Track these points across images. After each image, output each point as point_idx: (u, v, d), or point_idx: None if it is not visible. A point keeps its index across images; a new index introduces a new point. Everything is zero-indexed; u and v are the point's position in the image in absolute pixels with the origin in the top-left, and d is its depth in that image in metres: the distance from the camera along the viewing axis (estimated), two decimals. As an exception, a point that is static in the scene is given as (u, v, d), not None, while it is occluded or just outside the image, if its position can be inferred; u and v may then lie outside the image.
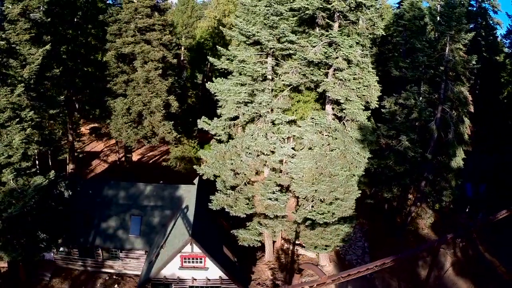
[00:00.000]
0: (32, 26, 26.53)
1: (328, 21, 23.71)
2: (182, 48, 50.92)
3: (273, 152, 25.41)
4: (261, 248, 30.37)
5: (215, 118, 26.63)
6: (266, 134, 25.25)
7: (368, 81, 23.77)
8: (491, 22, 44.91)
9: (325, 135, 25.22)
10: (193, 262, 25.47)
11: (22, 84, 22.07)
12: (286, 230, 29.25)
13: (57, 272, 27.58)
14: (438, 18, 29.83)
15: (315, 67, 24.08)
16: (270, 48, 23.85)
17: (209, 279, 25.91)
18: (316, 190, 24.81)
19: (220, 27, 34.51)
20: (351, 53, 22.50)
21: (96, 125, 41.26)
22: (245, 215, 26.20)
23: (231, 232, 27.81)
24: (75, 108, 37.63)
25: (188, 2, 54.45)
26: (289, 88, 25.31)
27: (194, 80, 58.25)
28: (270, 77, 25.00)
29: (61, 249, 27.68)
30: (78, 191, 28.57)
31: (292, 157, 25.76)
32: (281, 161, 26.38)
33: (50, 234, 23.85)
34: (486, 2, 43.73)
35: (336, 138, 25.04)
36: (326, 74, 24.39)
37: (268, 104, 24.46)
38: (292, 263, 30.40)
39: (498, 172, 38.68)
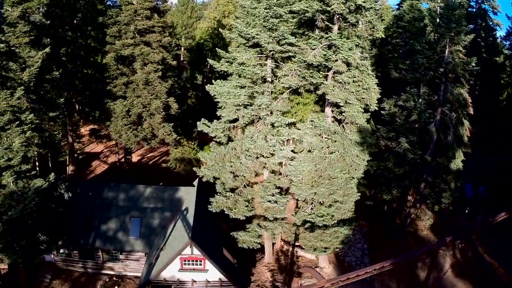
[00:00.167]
0: (31, 28, 26.61)
1: (328, 23, 23.70)
2: (182, 48, 51.00)
3: (272, 155, 25.35)
4: (260, 250, 30.38)
5: (215, 121, 26.60)
6: (265, 136, 25.21)
7: (368, 84, 23.72)
8: (490, 23, 44.99)
9: (325, 138, 25.19)
10: (193, 264, 25.56)
11: (22, 87, 22.06)
12: (285, 232, 29.26)
13: (57, 274, 27.69)
14: (438, 20, 29.84)
15: (315, 69, 24.02)
16: (270, 51, 23.81)
17: (209, 281, 25.98)
18: (315, 193, 24.82)
19: (220, 29, 34.44)
20: (351, 55, 22.46)
21: (95, 126, 41.33)
22: (244, 217, 26.21)
23: (231, 234, 27.79)
24: (75, 110, 37.69)
25: (188, 3, 54.58)
26: (289, 90, 25.25)
27: (194, 80, 58.28)
28: (269, 79, 24.98)
29: (61, 251, 27.77)
30: (78, 193, 28.60)
31: (292, 160, 25.74)
32: (280, 164, 26.35)
33: (50, 236, 23.90)
34: (486, 3, 43.80)
35: (335, 141, 25.01)
36: (326, 77, 24.36)
37: (268, 107, 24.44)
38: (291, 264, 30.40)
39: (498, 173, 38.73)
